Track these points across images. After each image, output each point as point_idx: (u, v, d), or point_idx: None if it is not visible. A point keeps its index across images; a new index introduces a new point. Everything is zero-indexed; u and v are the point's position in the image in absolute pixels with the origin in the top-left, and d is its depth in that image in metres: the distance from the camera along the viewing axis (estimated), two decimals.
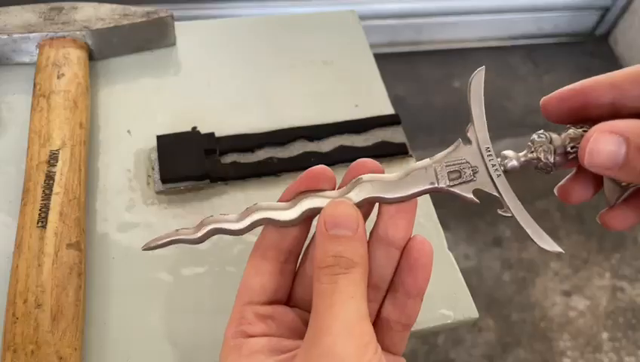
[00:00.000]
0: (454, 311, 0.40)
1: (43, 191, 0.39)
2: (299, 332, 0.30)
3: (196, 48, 0.53)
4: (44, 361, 0.33)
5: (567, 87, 0.29)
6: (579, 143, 0.27)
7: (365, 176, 0.29)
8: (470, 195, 0.29)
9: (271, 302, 0.30)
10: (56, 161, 0.40)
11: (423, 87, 1.53)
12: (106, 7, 0.49)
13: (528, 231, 0.28)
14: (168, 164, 0.43)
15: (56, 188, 0.39)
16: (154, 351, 0.37)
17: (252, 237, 0.42)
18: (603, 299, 1.29)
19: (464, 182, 0.29)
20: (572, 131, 0.29)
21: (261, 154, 0.46)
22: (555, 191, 0.31)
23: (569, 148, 0.28)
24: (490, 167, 0.29)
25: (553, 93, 0.29)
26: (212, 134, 0.45)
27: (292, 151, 0.47)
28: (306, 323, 0.28)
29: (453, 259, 0.43)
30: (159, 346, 0.37)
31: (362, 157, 0.46)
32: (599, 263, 1.32)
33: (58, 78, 0.44)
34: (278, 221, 0.29)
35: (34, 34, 0.46)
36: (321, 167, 0.30)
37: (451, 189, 0.29)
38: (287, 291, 0.31)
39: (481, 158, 0.29)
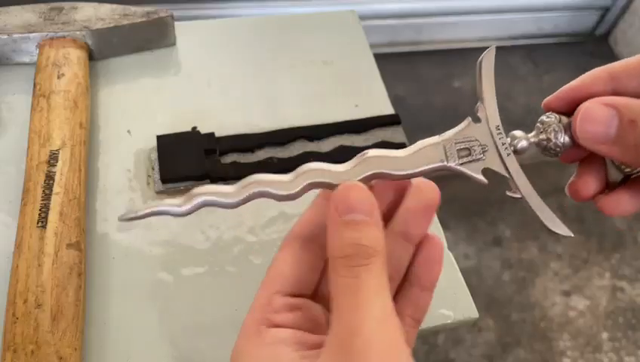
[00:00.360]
0: (454, 311, 0.40)
1: (43, 191, 0.39)
2: (323, 328, 0.28)
3: (196, 48, 0.53)
4: (44, 361, 0.33)
5: (567, 85, 0.29)
6: None
7: (371, 151, 0.28)
8: (479, 175, 0.28)
9: (300, 294, 0.29)
10: (57, 161, 0.40)
11: (423, 87, 1.53)
12: (106, 7, 0.49)
13: (539, 213, 0.27)
14: (168, 164, 0.43)
15: (56, 188, 0.39)
16: (154, 350, 0.37)
17: (252, 236, 0.42)
18: (603, 299, 1.29)
19: (473, 161, 0.28)
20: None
21: (261, 154, 0.46)
22: (566, 190, 0.30)
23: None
24: (500, 145, 0.28)
25: (554, 93, 0.29)
26: (212, 134, 0.45)
27: (292, 151, 0.47)
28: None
29: (453, 258, 0.43)
30: (159, 346, 0.37)
31: None
32: (599, 263, 1.32)
33: (58, 78, 0.44)
34: (277, 195, 0.27)
35: (34, 34, 0.46)
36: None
37: (460, 168, 0.28)
38: (315, 285, 0.30)
39: (490, 137, 0.28)
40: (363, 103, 0.51)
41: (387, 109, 0.51)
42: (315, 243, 0.29)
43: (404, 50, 1.59)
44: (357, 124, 0.49)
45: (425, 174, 0.28)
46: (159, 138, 0.44)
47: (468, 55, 1.60)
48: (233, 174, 0.44)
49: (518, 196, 0.28)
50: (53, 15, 0.48)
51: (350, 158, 0.46)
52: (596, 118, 0.25)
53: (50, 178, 0.39)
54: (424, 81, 1.57)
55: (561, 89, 0.29)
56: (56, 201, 0.38)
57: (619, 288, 1.30)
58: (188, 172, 0.43)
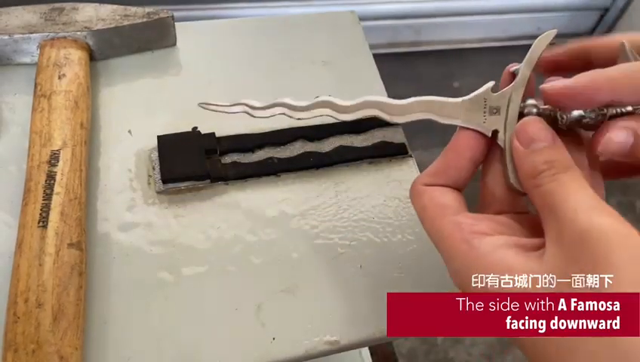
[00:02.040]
0: None
1: (44, 190, 0.39)
2: (526, 232, 0.30)
3: (197, 49, 0.53)
4: (45, 361, 0.33)
5: (569, 86, 0.31)
6: (592, 118, 0.31)
7: (424, 97, 0.34)
8: (489, 133, 0.33)
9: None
10: (57, 161, 0.40)
11: (423, 87, 1.53)
12: (107, 8, 0.49)
13: (508, 158, 0.32)
14: (169, 164, 0.44)
15: (57, 188, 0.39)
16: (154, 350, 0.37)
17: (252, 236, 0.42)
18: None
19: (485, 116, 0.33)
20: None
21: (261, 154, 0.46)
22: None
23: (585, 116, 0.31)
24: (511, 111, 0.33)
25: (555, 87, 0.31)
26: (212, 134, 0.45)
27: (292, 151, 0.47)
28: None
29: None
30: (160, 345, 0.37)
31: (362, 158, 0.47)
32: None
33: (59, 78, 0.44)
34: (338, 105, 0.35)
35: (35, 34, 0.47)
36: None
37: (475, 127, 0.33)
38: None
39: (507, 100, 0.33)
40: None
41: None
42: (450, 185, 0.33)
43: (403, 51, 1.59)
44: (357, 124, 0.49)
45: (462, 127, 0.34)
46: (160, 138, 0.45)
47: (467, 55, 1.60)
48: (233, 174, 0.45)
49: (503, 147, 0.33)
50: (54, 15, 0.48)
51: (350, 158, 0.47)
52: (616, 142, 0.30)
53: (51, 178, 0.39)
54: (424, 81, 1.57)
55: (562, 86, 0.31)
56: (57, 201, 0.39)
57: None
58: (189, 172, 0.43)
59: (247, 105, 0.37)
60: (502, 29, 1.59)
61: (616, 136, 0.30)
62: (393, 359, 0.99)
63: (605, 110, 0.31)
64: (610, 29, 1.65)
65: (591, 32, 1.67)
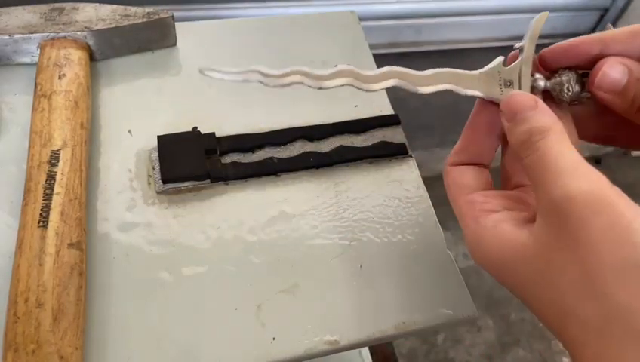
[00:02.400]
0: (454, 310, 0.41)
1: (44, 191, 0.39)
2: (530, 207, 0.32)
3: (197, 49, 0.53)
4: (46, 360, 0.33)
5: (563, 42, 0.34)
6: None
7: (444, 69, 0.35)
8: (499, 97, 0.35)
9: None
10: (58, 161, 0.40)
11: None
12: (107, 8, 0.49)
13: None
14: (169, 164, 0.44)
15: (57, 188, 0.39)
16: (154, 350, 0.37)
17: (252, 236, 0.42)
18: None
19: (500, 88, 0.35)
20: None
21: (261, 154, 0.46)
22: None
23: (583, 94, 0.34)
24: (523, 82, 0.35)
25: (552, 46, 0.35)
26: (212, 134, 0.46)
27: (292, 151, 0.47)
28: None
29: (452, 258, 0.43)
30: (160, 345, 0.37)
31: (362, 158, 0.47)
32: None
33: (59, 78, 0.44)
34: (360, 74, 0.35)
35: (35, 34, 0.47)
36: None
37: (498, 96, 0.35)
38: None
39: (518, 74, 0.35)
40: (363, 104, 0.51)
41: (387, 109, 0.51)
42: (475, 161, 0.36)
43: (404, 51, 1.59)
44: (357, 124, 0.49)
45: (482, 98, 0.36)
46: (160, 138, 0.45)
47: (468, 55, 1.60)
48: (233, 174, 0.45)
49: None
50: (54, 15, 0.48)
51: (350, 158, 0.47)
52: (618, 69, 0.32)
53: (51, 178, 0.39)
54: None
55: (558, 44, 0.35)
56: (57, 201, 0.39)
57: None
58: (189, 172, 0.43)
59: (260, 72, 0.34)
60: (502, 29, 1.59)
61: (612, 70, 0.32)
62: (393, 359, 0.99)
63: None
64: None
65: (591, 32, 1.67)
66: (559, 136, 0.29)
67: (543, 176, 0.28)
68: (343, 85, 0.35)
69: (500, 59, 0.36)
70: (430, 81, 0.35)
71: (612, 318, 0.24)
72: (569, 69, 0.35)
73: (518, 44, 0.36)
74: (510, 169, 0.36)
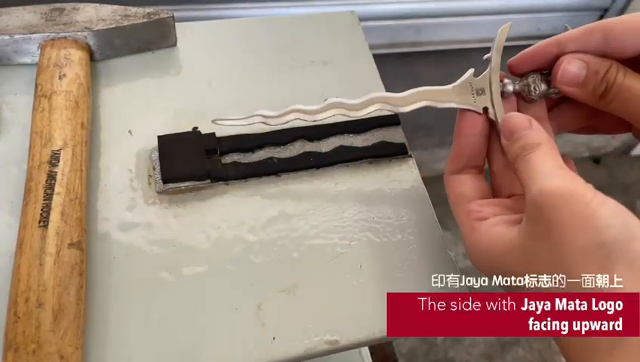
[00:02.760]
0: None
1: (44, 191, 0.39)
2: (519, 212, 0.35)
3: (197, 49, 0.53)
4: (46, 360, 0.33)
5: (526, 49, 0.39)
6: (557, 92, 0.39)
7: (421, 88, 0.40)
8: (478, 109, 0.39)
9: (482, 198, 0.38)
10: (58, 161, 0.40)
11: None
12: (107, 8, 0.49)
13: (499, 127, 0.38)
14: (169, 164, 0.44)
15: (57, 188, 0.39)
16: (154, 350, 0.37)
17: (252, 236, 0.42)
18: None
19: (474, 97, 0.40)
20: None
21: (261, 154, 0.46)
22: None
23: (551, 91, 0.39)
24: (494, 88, 0.39)
25: (517, 54, 0.39)
26: (213, 134, 0.46)
27: (292, 151, 0.47)
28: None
29: (452, 258, 0.43)
30: (160, 345, 0.37)
31: (362, 158, 0.47)
32: None
33: (60, 78, 0.44)
34: (347, 104, 0.40)
35: (35, 35, 0.47)
36: None
37: (463, 105, 0.39)
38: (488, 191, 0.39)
39: (489, 82, 0.39)
40: None
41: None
42: (469, 165, 0.39)
43: (404, 51, 1.59)
44: (356, 124, 0.49)
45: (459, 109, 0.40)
46: (160, 138, 0.45)
47: (467, 56, 1.60)
48: (233, 174, 0.45)
49: (495, 120, 0.39)
50: (54, 16, 0.48)
51: (349, 158, 0.48)
52: (575, 64, 0.36)
53: (51, 178, 0.39)
54: (424, 81, 1.56)
55: (522, 52, 0.39)
56: (57, 201, 0.39)
57: None
58: (189, 172, 0.43)
59: (262, 115, 0.41)
60: None
61: (570, 65, 0.36)
62: (393, 359, 0.99)
63: None
64: None
65: None
66: (547, 149, 0.33)
67: (528, 180, 0.32)
68: (334, 115, 0.41)
69: (471, 71, 0.40)
70: (409, 101, 0.40)
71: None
72: (534, 71, 0.39)
73: (485, 56, 0.40)
74: (503, 180, 0.39)
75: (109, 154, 0.45)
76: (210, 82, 0.51)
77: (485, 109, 0.39)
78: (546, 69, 0.39)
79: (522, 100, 0.40)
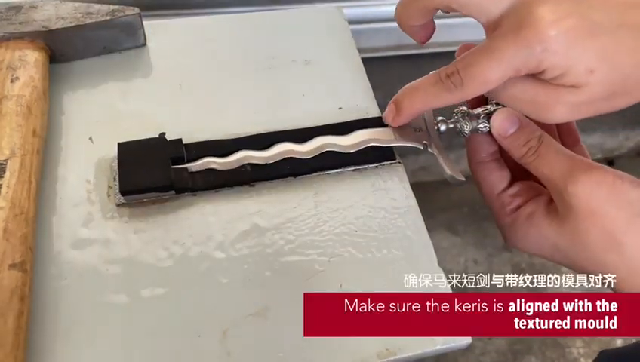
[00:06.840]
0: (445, 338, 0.37)
1: None
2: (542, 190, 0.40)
3: (169, 49, 0.50)
4: None
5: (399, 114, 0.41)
6: (488, 122, 0.40)
7: (368, 130, 0.43)
8: (418, 145, 0.42)
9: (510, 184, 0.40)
10: (4, 173, 0.37)
11: None
12: (68, 6, 0.45)
13: (441, 162, 0.41)
14: (129, 173, 0.40)
15: (0, 203, 0.35)
16: None
17: (220, 253, 0.38)
18: None
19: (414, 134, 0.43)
20: (481, 110, 0.41)
21: (234, 162, 0.42)
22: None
23: (481, 126, 0.40)
24: (430, 128, 0.43)
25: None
26: (179, 140, 0.42)
27: (268, 158, 0.43)
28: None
29: (444, 276, 0.39)
30: None
31: (345, 165, 0.43)
32: None
33: (12, 81, 0.41)
34: (297, 150, 0.42)
35: None
36: None
37: (406, 143, 0.43)
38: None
39: (424, 123, 0.43)
40: (347, 105, 0.47)
41: (373, 111, 0.47)
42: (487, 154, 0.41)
43: (411, 53, 1.56)
44: (341, 126, 0.45)
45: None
46: (120, 145, 0.41)
47: None
48: (202, 184, 0.41)
49: (435, 153, 0.42)
50: (10, 14, 0.45)
51: (331, 165, 0.43)
52: (511, 121, 0.38)
53: None
54: None
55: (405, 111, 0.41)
56: (0, 217, 0.35)
57: None
58: (150, 182, 0.39)
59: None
60: None
61: (512, 117, 0.39)
62: None
63: (481, 112, 0.41)
64: None
65: None
66: (550, 140, 0.37)
67: (552, 178, 0.36)
68: (285, 158, 0.42)
69: None
70: (356, 144, 0.42)
71: (629, 259, 0.34)
72: (462, 109, 0.41)
73: None
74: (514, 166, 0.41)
75: (67, 164, 0.42)
76: (181, 84, 0.47)
77: (425, 145, 0.42)
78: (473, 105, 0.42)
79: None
